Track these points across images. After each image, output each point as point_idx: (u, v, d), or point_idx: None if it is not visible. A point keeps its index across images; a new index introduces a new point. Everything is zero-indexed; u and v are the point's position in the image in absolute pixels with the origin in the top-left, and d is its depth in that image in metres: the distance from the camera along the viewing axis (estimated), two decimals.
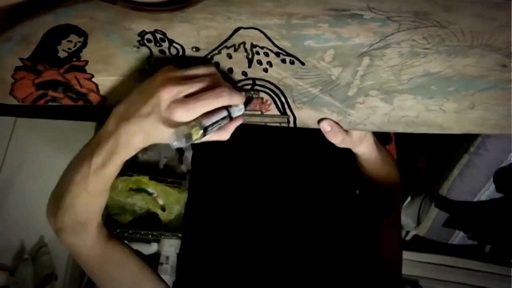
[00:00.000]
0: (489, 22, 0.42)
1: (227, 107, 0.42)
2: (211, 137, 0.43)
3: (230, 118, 0.43)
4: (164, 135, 0.39)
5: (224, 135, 0.44)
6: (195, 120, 0.39)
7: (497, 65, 0.44)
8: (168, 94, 0.38)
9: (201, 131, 0.38)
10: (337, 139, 0.51)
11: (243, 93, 0.45)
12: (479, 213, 1.17)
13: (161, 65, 0.43)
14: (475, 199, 1.15)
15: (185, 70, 0.41)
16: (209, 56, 0.46)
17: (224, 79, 0.44)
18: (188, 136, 0.37)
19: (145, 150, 1.59)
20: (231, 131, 0.44)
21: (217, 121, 0.41)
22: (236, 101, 0.43)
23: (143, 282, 0.54)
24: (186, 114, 0.38)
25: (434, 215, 1.24)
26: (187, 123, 0.38)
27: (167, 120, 0.38)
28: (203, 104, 0.39)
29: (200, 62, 0.44)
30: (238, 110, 0.44)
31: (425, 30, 0.42)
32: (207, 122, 0.39)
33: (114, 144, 0.41)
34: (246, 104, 0.45)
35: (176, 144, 0.37)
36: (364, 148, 0.57)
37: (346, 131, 0.51)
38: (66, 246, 0.50)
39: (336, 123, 0.50)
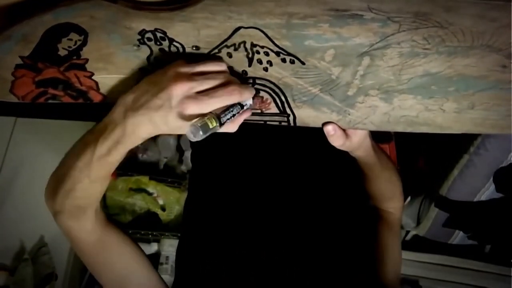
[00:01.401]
0: (489, 23, 0.42)
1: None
2: (221, 129, 0.43)
3: (239, 110, 0.43)
4: (174, 127, 0.40)
5: (232, 127, 0.44)
6: (209, 113, 0.39)
7: (497, 65, 0.44)
8: (180, 90, 0.39)
9: (217, 123, 0.39)
10: (338, 143, 0.51)
11: (251, 87, 0.45)
12: (479, 213, 1.17)
13: (163, 63, 0.43)
14: (475, 199, 1.15)
15: (196, 66, 0.41)
16: (209, 55, 0.46)
17: (232, 74, 0.45)
18: (205, 127, 0.38)
19: (145, 150, 1.59)
20: (239, 123, 0.45)
21: (231, 113, 0.41)
22: (247, 97, 0.43)
23: (137, 269, 0.54)
24: (198, 110, 0.39)
25: (434, 215, 1.24)
26: (201, 116, 0.39)
27: (179, 114, 0.39)
28: (216, 101, 0.40)
29: (209, 58, 0.44)
30: (247, 103, 0.45)
31: (426, 30, 0.42)
32: (221, 114, 0.40)
33: (120, 133, 0.41)
34: (253, 97, 0.46)
35: (193, 137, 0.38)
36: (362, 153, 0.57)
37: (347, 135, 0.51)
38: (63, 229, 0.50)
39: (340, 127, 0.50)
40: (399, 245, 0.68)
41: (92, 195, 0.48)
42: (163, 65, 0.43)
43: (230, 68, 0.46)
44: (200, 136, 0.38)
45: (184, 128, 0.39)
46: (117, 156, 0.43)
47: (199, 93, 0.40)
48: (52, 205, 0.49)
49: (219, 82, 0.41)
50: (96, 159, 0.43)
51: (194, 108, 0.39)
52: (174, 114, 0.39)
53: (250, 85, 0.46)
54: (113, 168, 0.45)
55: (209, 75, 0.41)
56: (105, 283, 0.54)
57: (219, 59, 0.44)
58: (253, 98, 0.47)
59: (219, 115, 0.40)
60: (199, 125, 0.38)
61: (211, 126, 0.38)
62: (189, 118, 0.39)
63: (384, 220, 0.67)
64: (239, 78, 0.46)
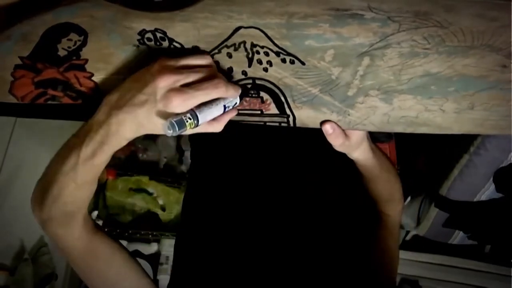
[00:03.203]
0: (489, 23, 0.42)
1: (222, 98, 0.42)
2: (205, 128, 0.42)
3: (225, 109, 0.42)
4: (158, 126, 0.39)
5: (217, 126, 0.43)
6: (193, 109, 0.38)
7: (497, 65, 0.44)
8: (165, 82, 0.37)
9: (194, 120, 0.38)
10: (337, 142, 0.51)
11: (239, 87, 0.44)
12: (479, 213, 1.17)
13: (150, 60, 0.42)
14: (475, 199, 1.15)
15: (181, 59, 0.40)
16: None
17: (219, 72, 0.44)
18: (180, 124, 0.37)
19: (145, 150, 1.59)
20: (224, 122, 0.43)
21: (210, 111, 0.40)
22: (232, 93, 0.42)
23: (128, 276, 0.53)
24: (183, 103, 0.37)
25: (434, 215, 1.24)
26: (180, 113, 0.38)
27: (163, 110, 0.38)
28: (200, 93, 0.38)
29: (196, 53, 0.44)
30: (233, 102, 0.44)
31: (426, 30, 0.42)
32: (200, 111, 0.38)
33: (105, 133, 0.40)
34: (241, 96, 0.45)
35: (169, 133, 0.37)
36: (360, 154, 0.56)
37: (346, 135, 0.51)
38: (51, 237, 0.49)
39: (338, 126, 0.50)
40: (396, 248, 0.67)
41: (79, 200, 0.47)
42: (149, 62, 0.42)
43: (217, 63, 0.45)
44: (176, 132, 0.37)
45: None
46: (103, 158, 0.42)
47: (184, 86, 0.38)
48: (39, 214, 0.48)
49: (205, 75, 0.40)
50: (82, 162, 0.41)
51: (178, 100, 0.37)
52: (159, 108, 0.38)
53: (238, 85, 0.45)
54: (100, 171, 0.44)
55: (195, 69, 0.40)
56: None
57: (205, 53, 0.43)
58: (241, 98, 0.45)
59: (195, 112, 0.38)
60: (175, 120, 0.37)
61: (187, 122, 0.37)
62: (167, 115, 0.38)
63: (382, 222, 0.67)
64: (227, 76, 0.46)
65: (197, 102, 0.38)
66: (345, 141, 0.51)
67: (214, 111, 0.40)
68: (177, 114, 0.38)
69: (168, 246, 1.51)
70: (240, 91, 0.43)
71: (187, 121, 0.37)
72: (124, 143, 0.42)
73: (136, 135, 0.41)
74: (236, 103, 0.45)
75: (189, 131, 0.39)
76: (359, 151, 0.56)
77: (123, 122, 0.39)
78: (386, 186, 0.64)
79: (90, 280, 0.53)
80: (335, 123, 0.49)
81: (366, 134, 0.55)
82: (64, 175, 0.43)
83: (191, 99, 0.38)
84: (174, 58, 0.40)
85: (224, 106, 0.42)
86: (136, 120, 0.39)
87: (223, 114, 0.43)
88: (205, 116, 0.39)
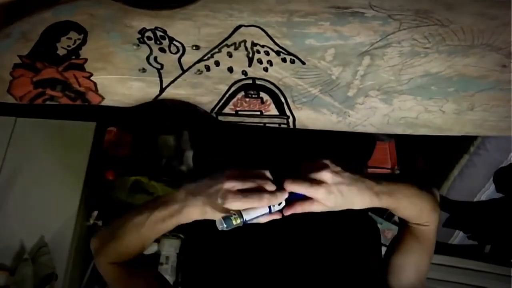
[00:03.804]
0: (489, 21, 0.42)
1: None
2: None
3: (270, 210, 0.48)
4: (215, 216, 0.47)
5: (262, 220, 0.49)
6: (241, 210, 0.47)
7: (497, 65, 0.44)
8: (227, 185, 0.47)
9: (241, 218, 0.47)
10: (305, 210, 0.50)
11: (285, 193, 0.48)
12: (479, 213, 1.17)
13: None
14: (475, 199, 1.15)
15: (246, 170, 0.49)
16: (209, 55, 0.46)
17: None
18: (227, 221, 0.46)
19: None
20: (267, 220, 0.49)
21: (255, 212, 0.48)
22: (277, 201, 0.48)
23: None
24: (234, 203, 0.46)
25: None
26: (233, 212, 0.47)
27: (221, 203, 0.46)
28: (247, 201, 0.46)
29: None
30: (278, 206, 0.49)
31: (426, 28, 0.42)
32: (247, 216, 0.47)
33: (178, 209, 0.49)
34: (287, 200, 0.48)
35: (220, 227, 0.46)
36: (367, 205, 0.50)
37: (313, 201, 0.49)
38: (100, 267, 0.58)
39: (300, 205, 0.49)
40: (426, 252, 0.62)
41: (133, 250, 0.55)
42: None
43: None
44: (224, 227, 0.45)
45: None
46: (167, 226, 0.50)
47: (241, 191, 0.46)
48: (97, 246, 0.57)
49: (256, 186, 0.47)
50: (151, 221, 0.50)
51: (231, 201, 0.46)
52: (218, 202, 0.46)
53: (285, 191, 0.48)
54: (158, 235, 0.52)
55: (252, 178, 0.48)
56: None
57: (265, 169, 0.50)
58: (288, 201, 0.49)
59: (241, 213, 0.47)
60: (223, 217, 0.46)
61: (234, 223, 0.46)
62: (227, 211, 0.47)
63: (410, 230, 0.61)
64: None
65: (244, 206, 0.46)
66: (320, 206, 0.48)
67: (258, 212, 0.48)
68: (228, 213, 0.47)
69: (168, 246, 1.51)
70: (286, 195, 0.48)
71: (233, 219, 0.46)
72: (188, 221, 0.50)
73: (199, 218, 0.49)
74: (282, 205, 0.48)
75: (238, 224, 0.46)
76: (363, 203, 0.50)
77: (194, 205, 0.48)
78: (411, 210, 0.57)
79: None
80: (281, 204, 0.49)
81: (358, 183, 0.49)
82: (131, 224, 0.52)
83: (240, 203, 0.46)
84: (241, 170, 0.49)
85: (269, 207, 0.48)
86: (203, 207, 0.48)
87: (268, 215, 0.48)
88: (249, 215, 0.47)
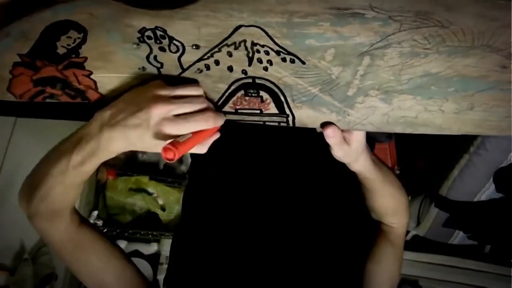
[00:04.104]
0: (490, 23, 0.42)
1: None
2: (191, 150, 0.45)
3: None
4: (149, 145, 0.42)
5: (202, 149, 0.47)
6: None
7: (497, 66, 0.44)
8: (159, 111, 0.41)
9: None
10: (336, 143, 0.51)
11: (223, 114, 0.47)
12: (479, 213, 1.17)
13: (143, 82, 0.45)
14: (475, 199, 1.15)
15: (175, 89, 0.44)
16: (209, 54, 0.46)
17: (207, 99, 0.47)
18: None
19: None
20: (208, 145, 0.47)
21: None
22: (220, 123, 0.46)
23: (112, 264, 0.56)
24: (175, 131, 0.41)
25: (434, 215, 1.24)
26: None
27: (156, 134, 0.41)
28: (192, 125, 0.42)
29: (185, 81, 0.46)
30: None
31: (426, 30, 0.42)
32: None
33: (95, 146, 0.43)
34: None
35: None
36: (361, 166, 0.56)
37: (346, 142, 0.51)
38: (38, 231, 0.52)
39: (339, 130, 0.49)
40: (398, 259, 0.65)
41: (66, 200, 0.50)
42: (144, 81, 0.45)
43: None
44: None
45: (158, 146, 0.41)
46: (91, 166, 0.45)
47: (177, 115, 0.42)
48: (26, 207, 0.50)
49: (197, 108, 0.43)
50: (71, 168, 0.45)
51: (171, 129, 0.41)
52: (151, 133, 0.41)
53: (222, 112, 0.48)
54: (87, 176, 0.47)
55: (187, 99, 0.43)
56: (83, 280, 0.56)
57: (197, 83, 0.46)
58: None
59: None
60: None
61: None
62: (164, 137, 0.41)
63: (384, 234, 0.65)
64: (212, 102, 0.48)
65: (188, 131, 0.42)
66: (345, 146, 0.51)
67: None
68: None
69: (168, 246, 1.50)
70: (224, 118, 0.46)
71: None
72: (113, 156, 0.45)
73: (125, 150, 0.44)
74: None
75: None
76: (359, 163, 0.55)
77: (114, 139, 0.42)
78: (390, 199, 0.63)
79: (77, 269, 0.56)
80: (337, 126, 0.49)
81: (365, 146, 0.54)
82: (53, 177, 0.46)
83: (183, 129, 0.41)
84: (169, 87, 0.44)
85: None
86: (127, 140, 0.42)
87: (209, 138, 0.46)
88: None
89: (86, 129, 0.44)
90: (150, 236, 1.54)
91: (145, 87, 0.44)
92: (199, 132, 0.43)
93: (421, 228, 1.32)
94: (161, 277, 1.45)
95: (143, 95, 0.43)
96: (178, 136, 0.41)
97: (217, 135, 0.48)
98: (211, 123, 0.44)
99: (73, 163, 0.44)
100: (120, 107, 0.43)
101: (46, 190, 0.47)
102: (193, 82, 0.46)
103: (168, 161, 0.40)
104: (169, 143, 0.39)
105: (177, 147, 0.39)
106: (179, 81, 0.46)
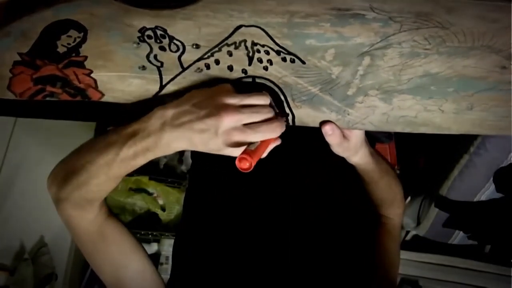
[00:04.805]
0: (490, 24, 0.42)
1: None
2: None
3: None
4: (213, 149, 0.43)
5: (263, 154, 0.47)
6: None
7: (497, 66, 0.44)
8: (229, 121, 0.41)
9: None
10: (336, 142, 0.52)
11: (284, 121, 0.47)
12: (479, 213, 1.17)
13: (206, 84, 0.45)
14: (475, 199, 1.15)
15: (244, 98, 0.43)
16: (209, 53, 0.46)
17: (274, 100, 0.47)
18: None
19: None
20: (269, 151, 0.47)
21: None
22: (282, 131, 0.45)
23: (133, 259, 0.55)
24: (243, 140, 0.42)
25: (434, 215, 1.24)
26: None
27: (223, 141, 0.41)
28: (260, 135, 0.43)
29: (253, 86, 0.47)
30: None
31: (426, 30, 0.42)
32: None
33: (153, 143, 0.42)
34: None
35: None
36: (360, 159, 0.57)
37: (345, 137, 0.52)
38: (64, 217, 0.51)
39: (338, 127, 0.50)
40: (397, 250, 0.67)
41: (102, 191, 0.49)
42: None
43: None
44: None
45: (221, 151, 0.42)
46: (142, 161, 0.44)
47: (245, 125, 0.42)
48: (56, 192, 0.49)
49: (264, 117, 0.44)
50: (120, 160, 0.44)
51: (239, 138, 0.41)
52: (217, 140, 0.41)
53: (284, 119, 0.49)
54: (133, 169, 0.46)
55: (256, 108, 0.43)
56: (101, 271, 0.55)
57: (264, 93, 0.46)
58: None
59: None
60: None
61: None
62: (230, 145, 0.42)
63: (383, 226, 0.67)
64: (279, 106, 0.48)
65: (255, 140, 0.43)
66: (344, 142, 0.52)
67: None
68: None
69: (168, 246, 1.51)
70: (285, 126, 0.46)
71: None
72: (170, 153, 0.44)
73: (187, 149, 0.43)
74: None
75: None
76: (358, 156, 0.56)
77: (176, 139, 0.42)
78: (387, 190, 0.64)
79: (97, 260, 0.55)
80: (335, 124, 0.50)
81: (364, 139, 0.55)
82: (96, 167, 0.45)
83: (250, 139, 0.42)
84: (238, 96, 0.43)
85: None
86: (190, 142, 0.42)
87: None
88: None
89: (143, 124, 0.43)
90: (150, 236, 1.54)
91: (214, 91, 0.43)
92: (266, 140, 0.44)
93: (421, 228, 1.32)
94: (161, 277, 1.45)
95: (212, 100, 0.42)
96: (245, 143, 0.42)
97: (279, 142, 0.48)
98: (278, 133, 0.44)
99: (123, 156, 0.43)
100: (185, 108, 0.42)
101: (85, 178, 0.46)
102: (258, 87, 0.47)
103: (242, 171, 0.40)
104: (244, 153, 0.40)
105: (252, 156, 0.40)
106: (244, 84, 0.47)
